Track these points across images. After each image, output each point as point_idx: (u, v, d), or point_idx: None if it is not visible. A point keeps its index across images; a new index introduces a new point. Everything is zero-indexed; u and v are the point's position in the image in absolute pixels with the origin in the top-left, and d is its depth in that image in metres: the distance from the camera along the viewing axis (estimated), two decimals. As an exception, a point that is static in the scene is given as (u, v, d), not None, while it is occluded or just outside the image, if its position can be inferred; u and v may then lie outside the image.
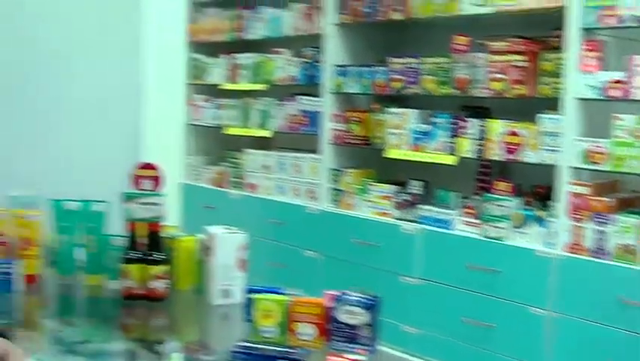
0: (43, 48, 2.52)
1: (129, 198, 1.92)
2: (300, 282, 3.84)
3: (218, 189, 4.65)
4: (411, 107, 3.64)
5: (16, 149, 2.44)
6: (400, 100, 3.78)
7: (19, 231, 2.02)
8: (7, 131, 2.44)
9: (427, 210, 3.50)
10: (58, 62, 2.54)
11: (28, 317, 1.93)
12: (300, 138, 4.25)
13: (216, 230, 1.94)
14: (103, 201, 2.05)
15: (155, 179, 1.95)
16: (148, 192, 1.93)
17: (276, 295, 1.61)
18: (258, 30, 4.42)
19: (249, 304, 1.59)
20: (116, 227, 2.02)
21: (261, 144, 4.55)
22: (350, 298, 1.55)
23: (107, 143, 2.66)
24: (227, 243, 1.92)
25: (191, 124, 4.91)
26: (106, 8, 2.65)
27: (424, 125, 3.55)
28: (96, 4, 2.63)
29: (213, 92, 4.76)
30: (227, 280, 1.91)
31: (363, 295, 1.56)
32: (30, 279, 2.00)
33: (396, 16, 3.62)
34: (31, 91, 2.48)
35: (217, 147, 4.86)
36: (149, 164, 1.96)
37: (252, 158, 4.44)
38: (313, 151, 4.07)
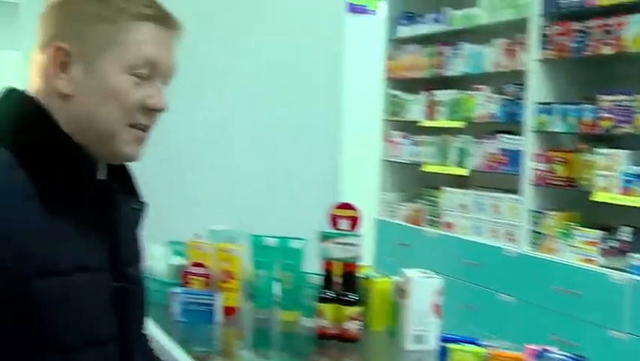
0: (247, 89, 2.62)
1: (326, 237, 1.92)
2: (493, 326, 3.70)
3: (414, 226, 4.60)
4: (622, 148, 3.39)
5: (218, 183, 2.54)
6: (609, 140, 3.54)
7: (220, 264, 2.09)
8: (211, 166, 2.56)
9: (638, 259, 3.23)
10: (259, 98, 2.64)
11: (226, 348, 1.99)
12: (498, 178, 4.11)
13: (412, 273, 1.89)
14: (301, 239, 2.08)
15: (353, 219, 1.95)
16: (345, 232, 1.93)
17: (473, 346, 1.54)
18: (457, 66, 4.36)
19: (443, 353, 1.53)
20: (312, 265, 2.03)
21: (459, 182, 4.46)
22: (554, 356, 1.44)
23: (305, 179, 2.70)
24: (423, 287, 1.86)
25: (388, 160, 4.92)
26: (307, 45, 2.72)
27: (636, 168, 3.29)
28: (297, 40, 2.70)
29: (411, 128, 4.75)
30: (422, 326, 1.85)
31: (568, 355, 1.44)
32: (229, 311, 2.06)
33: (607, 50, 3.41)
34: (233, 129, 2.58)
35: (413, 183, 4.83)
36: (347, 204, 1.96)
37: (449, 196, 4.36)
38: (513, 191, 3.92)
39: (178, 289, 2.02)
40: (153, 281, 2.23)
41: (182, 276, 2.09)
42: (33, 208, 1.09)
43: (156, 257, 2.26)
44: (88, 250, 1.16)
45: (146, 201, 1.33)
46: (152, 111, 1.19)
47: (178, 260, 2.24)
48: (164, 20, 1.20)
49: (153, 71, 1.18)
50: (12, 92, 1.20)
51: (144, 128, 1.20)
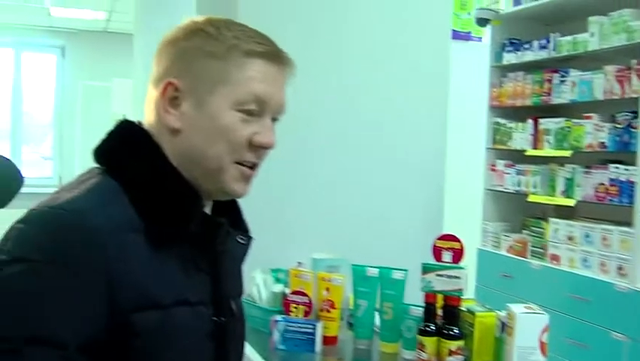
0: (352, 117, 2.64)
1: (429, 269, 1.89)
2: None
3: (518, 258, 4.47)
4: None
5: (321, 212, 2.56)
6: None
7: (321, 293, 2.09)
8: (314, 195, 2.57)
9: None
10: (364, 127, 2.64)
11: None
12: (607, 209, 3.94)
13: (517, 308, 1.83)
14: (402, 269, 2.05)
15: (456, 251, 1.91)
16: (448, 264, 1.90)
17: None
18: (564, 94, 4.24)
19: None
20: (413, 296, 2.00)
21: (565, 213, 4.31)
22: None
23: (408, 208, 2.68)
24: (529, 324, 1.79)
25: (491, 189, 4.82)
26: (411, 74, 2.71)
27: None
28: (402, 69, 2.70)
29: (516, 157, 4.64)
30: (527, 364, 1.78)
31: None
32: (329, 340, 2.05)
33: None
34: (338, 158, 2.59)
35: (518, 214, 4.70)
36: (450, 235, 1.93)
37: (556, 227, 4.22)
38: (624, 224, 3.75)
39: (279, 317, 2.03)
40: (254, 308, 2.25)
41: (284, 304, 2.10)
42: (138, 241, 1.10)
43: (258, 284, 2.29)
44: (190, 284, 1.17)
45: (252, 236, 1.32)
46: (259, 148, 1.19)
47: (279, 288, 2.26)
48: (275, 57, 1.20)
49: (262, 108, 1.19)
50: (125, 124, 1.22)
51: (252, 166, 1.20)
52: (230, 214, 1.29)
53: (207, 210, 1.24)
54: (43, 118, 9.50)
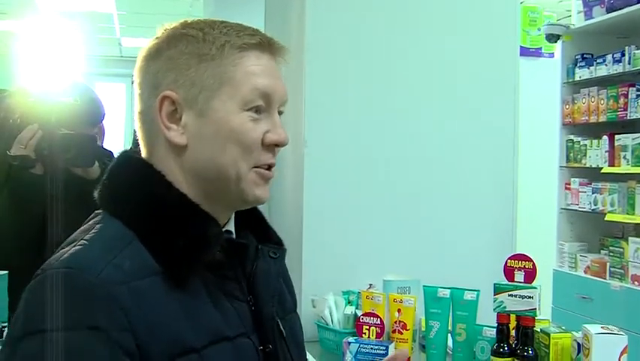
0: (423, 134, 2.64)
1: (501, 289, 1.87)
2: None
3: (596, 278, 4.34)
4: None
5: (390, 233, 2.56)
6: None
7: (393, 314, 2.09)
8: (385, 216, 2.58)
9: None
10: (435, 145, 2.63)
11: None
12: (691, 227, 3.81)
13: (594, 329, 1.79)
14: (475, 290, 2.03)
15: (528, 271, 1.88)
16: (521, 284, 1.87)
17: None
18: (642, 109, 4.12)
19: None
20: (486, 317, 1.98)
21: (646, 231, 4.18)
22: None
23: (480, 228, 2.65)
24: (606, 345, 1.75)
25: (566, 209, 4.71)
26: (480, 91, 2.69)
27: None
28: (474, 91, 2.69)
29: (591, 175, 4.53)
30: (605, 386, 1.73)
31: None
32: (402, 362, 2.04)
33: None
34: (408, 178, 2.59)
35: (594, 233, 4.58)
36: (523, 255, 1.90)
37: (637, 247, 4.08)
38: None
39: (351, 339, 2.04)
40: (326, 330, 2.26)
41: (356, 326, 2.11)
42: (157, 284, 1.01)
43: (330, 306, 2.30)
44: (225, 317, 1.07)
45: (285, 247, 1.23)
46: (273, 147, 1.11)
47: (351, 310, 2.26)
48: (269, 46, 1.11)
49: (268, 103, 1.10)
50: (121, 159, 1.14)
51: (268, 167, 1.11)
52: (255, 228, 1.20)
53: (231, 226, 1.16)
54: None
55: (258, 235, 1.20)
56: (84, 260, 0.99)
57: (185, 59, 1.07)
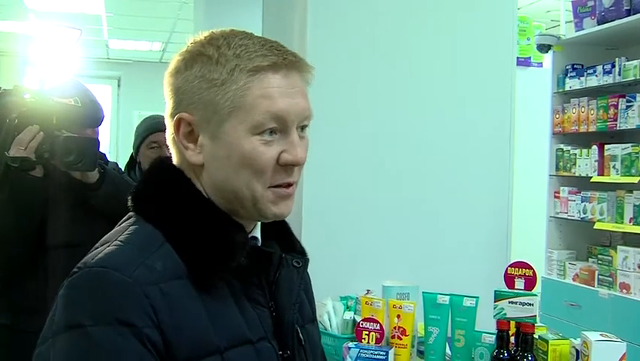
0: (418, 142, 2.66)
1: (501, 296, 1.89)
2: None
3: (585, 286, 4.38)
4: None
5: (388, 239, 2.57)
6: None
7: (393, 321, 2.10)
8: (382, 222, 2.59)
9: None
10: (430, 153, 2.66)
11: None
12: (679, 236, 3.85)
13: (593, 336, 1.81)
14: (474, 297, 2.05)
15: (528, 279, 1.90)
16: (521, 291, 1.89)
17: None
18: (632, 119, 4.17)
19: None
20: (485, 324, 2.00)
21: (634, 240, 4.22)
22: None
23: (476, 236, 2.67)
24: (605, 352, 1.77)
25: (555, 217, 4.75)
26: (479, 103, 2.72)
27: None
28: (471, 101, 2.71)
29: (580, 184, 4.57)
30: (603, 394, 1.75)
31: None
32: (401, 368, 2.05)
33: None
34: (403, 185, 2.62)
35: (583, 241, 4.62)
36: (523, 262, 1.93)
37: (625, 255, 4.12)
38: (697, 251, 3.66)
39: (351, 344, 2.05)
40: (325, 335, 2.27)
41: (356, 331, 2.12)
42: (185, 287, 1.05)
43: (328, 311, 2.31)
44: (248, 321, 1.10)
45: (308, 256, 1.25)
46: (290, 166, 1.11)
47: (350, 315, 2.27)
48: (284, 65, 1.10)
49: (283, 125, 1.09)
50: (156, 164, 1.18)
51: (287, 185, 1.12)
52: (280, 237, 1.23)
53: (257, 233, 1.19)
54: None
55: (283, 244, 1.23)
56: (118, 260, 1.03)
57: (197, 83, 1.09)
